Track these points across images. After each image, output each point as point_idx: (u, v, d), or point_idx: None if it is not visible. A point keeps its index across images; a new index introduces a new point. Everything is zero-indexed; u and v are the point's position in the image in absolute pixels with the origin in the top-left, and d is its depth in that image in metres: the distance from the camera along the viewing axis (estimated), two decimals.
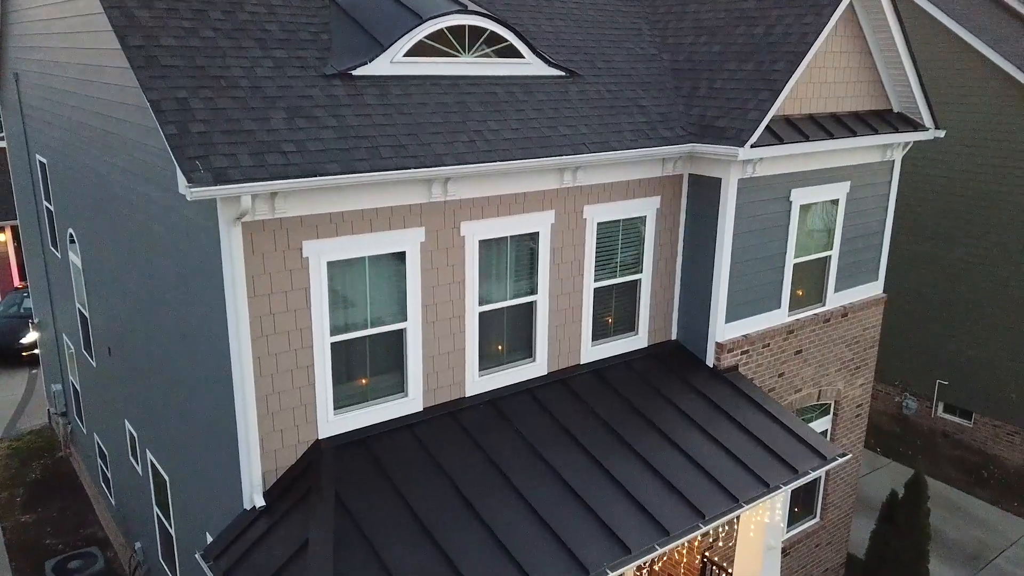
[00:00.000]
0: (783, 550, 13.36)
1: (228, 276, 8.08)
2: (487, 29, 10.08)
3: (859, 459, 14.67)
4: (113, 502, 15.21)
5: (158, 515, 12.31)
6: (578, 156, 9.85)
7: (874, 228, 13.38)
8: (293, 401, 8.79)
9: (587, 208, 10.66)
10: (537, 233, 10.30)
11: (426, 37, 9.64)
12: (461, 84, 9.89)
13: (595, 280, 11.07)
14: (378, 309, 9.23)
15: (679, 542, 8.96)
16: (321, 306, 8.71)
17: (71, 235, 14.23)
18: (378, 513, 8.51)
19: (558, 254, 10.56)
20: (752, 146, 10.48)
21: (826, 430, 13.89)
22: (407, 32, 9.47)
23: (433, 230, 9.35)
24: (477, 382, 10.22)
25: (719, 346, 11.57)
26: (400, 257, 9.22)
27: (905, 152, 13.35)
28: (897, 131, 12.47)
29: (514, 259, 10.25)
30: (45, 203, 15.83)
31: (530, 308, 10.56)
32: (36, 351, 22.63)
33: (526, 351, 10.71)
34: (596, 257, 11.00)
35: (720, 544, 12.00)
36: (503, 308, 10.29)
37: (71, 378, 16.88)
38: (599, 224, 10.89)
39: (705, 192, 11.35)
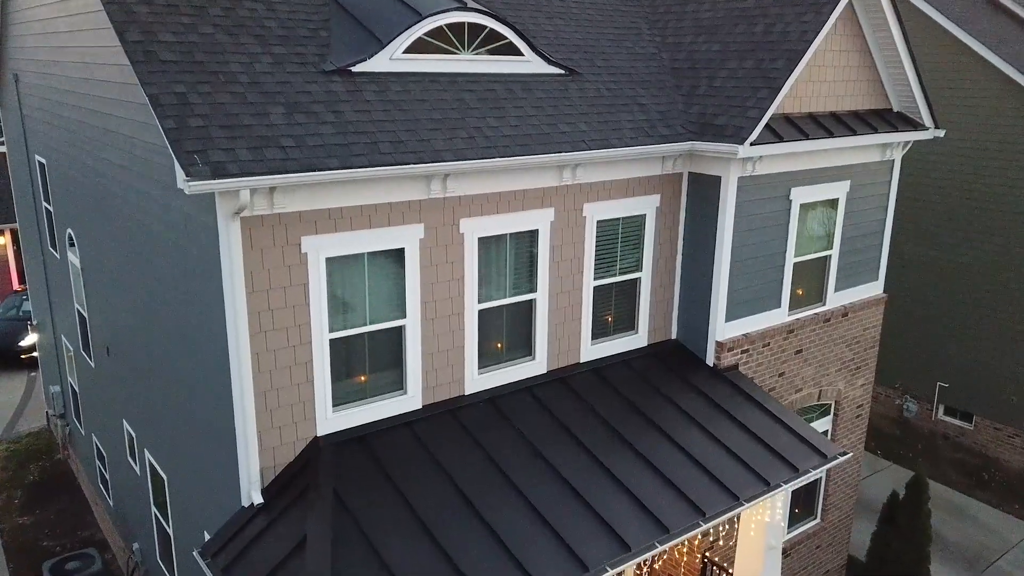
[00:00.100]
0: (784, 551, 13.31)
1: (226, 271, 8.06)
2: (486, 27, 10.07)
3: (860, 460, 14.62)
4: (111, 503, 15.15)
5: (156, 515, 12.26)
6: (577, 153, 9.84)
7: (874, 228, 13.36)
8: (291, 398, 8.75)
9: (587, 206, 10.64)
10: (537, 231, 10.28)
11: (425, 34, 9.63)
12: (460, 81, 9.88)
13: (595, 278, 11.04)
14: (377, 306, 9.21)
15: (679, 540, 8.92)
16: (320, 302, 8.69)
17: (70, 235, 14.22)
18: (377, 510, 8.46)
19: (558, 252, 10.53)
20: (752, 144, 10.46)
21: (827, 430, 13.85)
22: (406, 29, 9.46)
23: (432, 227, 9.33)
24: (476, 380, 10.19)
25: (719, 345, 11.53)
26: (399, 254, 9.20)
27: (905, 152, 13.34)
28: (897, 130, 12.46)
29: (513, 257, 10.23)
30: (44, 204, 15.82)
31: (530, 306, 10.54)
32: (35, 354, 22.59)
33: (526, 349, 10.68)
34: (596, 255, 10.98)
35: (720, 543, 11.95)
36: (502, 306, 10.27)
37: (70, 379, 16.84)
38: (599, 222, 10.87)
39: (705, 191, 11.33)
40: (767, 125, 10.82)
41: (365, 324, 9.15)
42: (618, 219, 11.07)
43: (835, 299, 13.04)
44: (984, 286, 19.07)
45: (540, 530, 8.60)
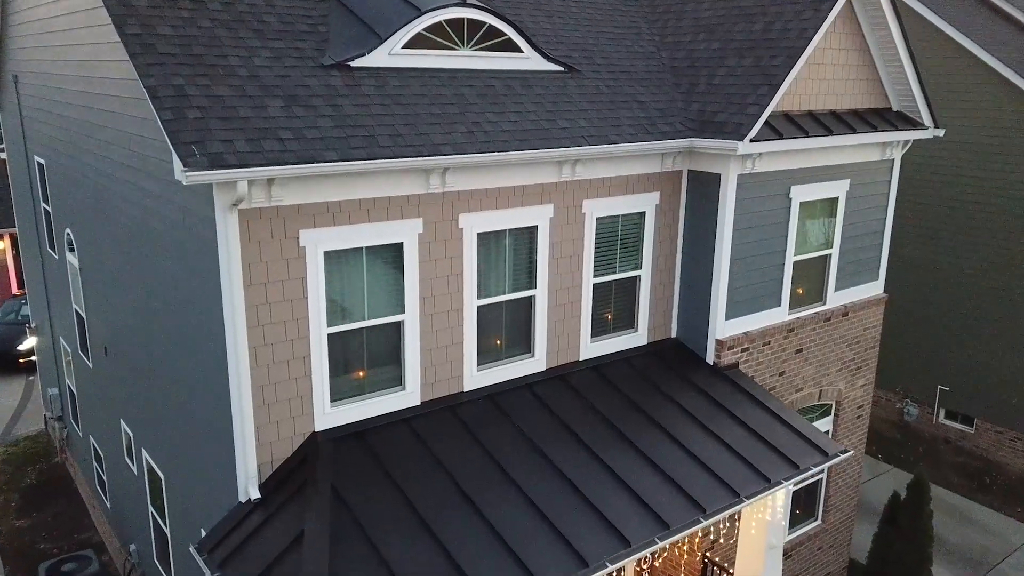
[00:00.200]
0: (785, 552, 13.23)
1: (224, 264, 8.02)
2: (485, 23, 10.07)
3: (860, 461, 14.56)
4: (108, 505, 15.08)
5: (153, 515, 12.19)
6: (577, 148, 9.81)
7: (874, 227, 13.33)
8: (289, 392, 8.70)
9: (586, 203, 10.62)
10: (536, 227, 10.25)
11: (424, 30, 9.63)
12: (459, 77, 9.87)
13: (594, 276, 11.01)
14: (376, 301, 9.17)
15: (679, 536, 8.85)
16: (318, 296, 8.65)
17: (68, 235, 14.19)
18: (375, 506, 8.40)
19: (557, 248, 10.50)
20: (752, 140, 10.45)
21: (827, 431, 13.79)
22: (405, 24, 9.46)
23: (431, 222, 9.30)
24: (475, 377, 10.14)
25: (719, 343, 11.49)
26: (398, 248, 9.16)
27: (905, 151, 13.32)
28: (896, 129, 12.45)
29: (513, 253, 10.20)
30: (43, 205, 15.80)
31: (529, 303, 10.50)
32: (33, 358, 22.54)
33: (525, 346, 10.64)
34: (595, 252, 10.95)
35: (721, 541, 11.87)
36: (502, 302, 10.23)
37: (67, 381, 16.78)
38: (598, 219, 10.84)
39: (704, 188, 11.31)
40: (767, 122, 10.81)
41: (363, 319, 9.10)
42: (617, 216, 11.04)
43: (835, 298, 13.00)
44: (984, 289, 19.04)
45: (539, 526, 8.54)
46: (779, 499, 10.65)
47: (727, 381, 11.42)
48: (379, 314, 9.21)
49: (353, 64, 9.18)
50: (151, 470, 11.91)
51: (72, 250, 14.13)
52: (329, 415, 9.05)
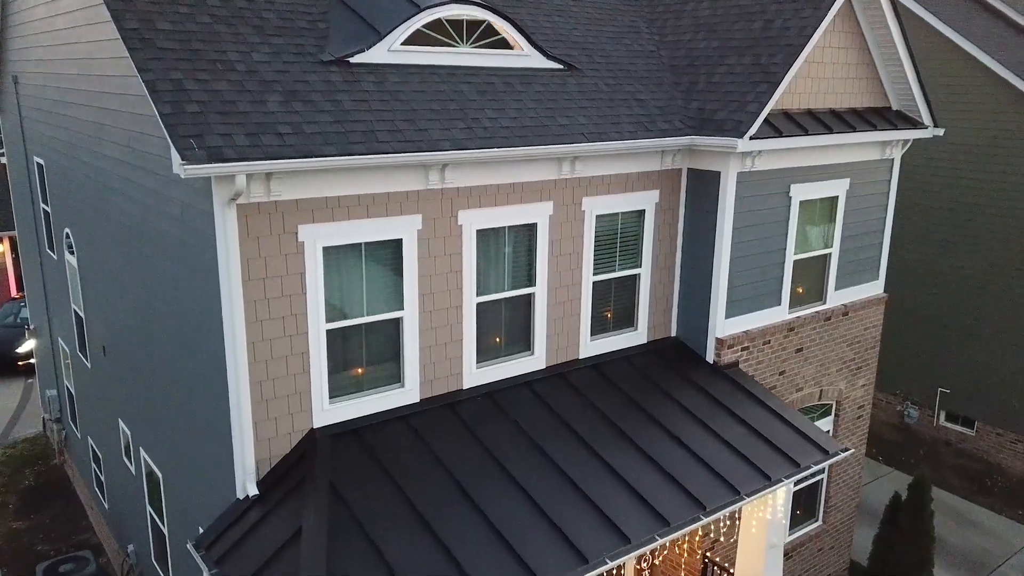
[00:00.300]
0: (786, 553, 13.17)
1: (222, 259, 7.99)
2: (485, 20, 10.07)
3: (861, 462, 14.51)
4: (107, 506, 15.02)
5: (151, 515, 12.14)
6: (576, 145, 9.80)
7: (874, 227, 13.31)
8: (288, 388, 8.67)
9: (586, 200, 10.60)
10: (535, 224, 10.23)
11: (424, 26, 9.62)
12: (459, 74, 9.86)
13: (594, 273, 10.98)
14: (375, 297, 9.14)
15: (680, 533, 8.81)
16: (317, 292, 8.62)
17: (67, 235, 14.17)
18: (374, 502, 8.36)
19: (556, 246, 10.48)
20: (751, 138, 10.44)
21: (828, 431, 13.74)
22: (404, 21, 9.46)
23: (430, 218, 9.28)
24: (474, 374, 10.10)
25: (719, 342, 11.45)
26: (397, 245, 9.14)
27: (904, 150, 13.31)
28: (896, 128, 12.44)
29: (512, 250, 10.17)
30: (42, 205, 15.79)
31: (528, 300, 10.47)
32: (32, 360, 22.50)
33: (524, 344, 10.61)
34: (595, 250, 10.93)
35: (722, 540, 11.81)
36: (501, 299, 10.20)
37: (66, 383, 16.74)
38: (598, 217, 10.82)
39: (704, 187, 11.29)
40: (766, 120, 10.80)
41: (362, 316, 9.08)
42: (617, 214, 11.03)
43: (835, 297, 12.97)
44: (985, 291, 19.01)
45: (539, 523, 8.50)
46: (780, 497, 10.61)
47: (727, 380, 11.38)
48: (378, 311, 9.18)
49: (352, 60, 9.17)
50: (149, 469, 11.87)
51: (71, 250, 14.11)
52: (327, 412, 9.02)
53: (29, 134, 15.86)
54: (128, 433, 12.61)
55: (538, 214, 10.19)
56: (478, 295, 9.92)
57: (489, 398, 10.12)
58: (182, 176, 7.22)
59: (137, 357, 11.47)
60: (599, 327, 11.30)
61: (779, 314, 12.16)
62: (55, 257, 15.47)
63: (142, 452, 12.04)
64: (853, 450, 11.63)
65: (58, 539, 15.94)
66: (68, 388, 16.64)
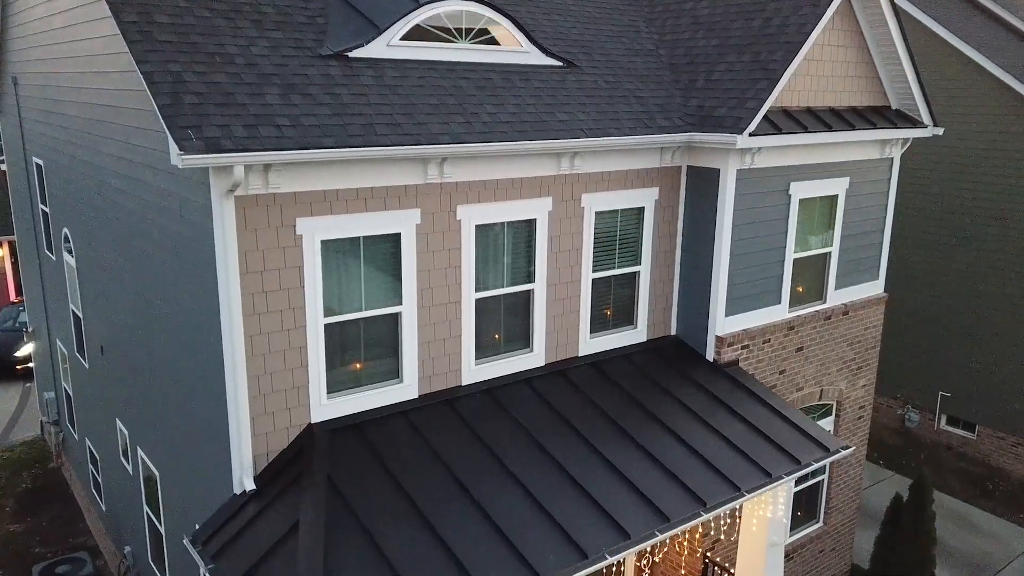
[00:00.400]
0: (787, 554, 13.09)
1: (220, 251, 7.96)
2: (484, 16, 10.06)
3: (861, 463, 14.44)
4: (104, 508, 14.95)
5: (148, 515, 12.07)
6: (576, 140, 9.78)
7: (874, 226, 13.29)
8: (285, 383, 8.62)
9: (585, 196, 10.57)
10: (535, 220, 10.20)
11: (423, 22, 9.61)
12: (458, 69, 9.86)
13: (593, 271, 10.95)
14: (373, 292, 9.10)
15: (680, 528, 8.75)
16: (315, 286, 8.59)
17: (66, 235, 14.15)
18: (372, 497, 8.30)
19: (556, 242, 10.45)
20: (751, 135, 10.42)
21: (828, 431, 13.66)
22: (404, 16, 9.45)
23: (429, 212, 9.25)
24: (473, 371, 10.06)
25: (719, 340, 11.41)
26: (395, 239, 9.11)
27: (904, 150, 13.29)
28: (895, 126, 12.43)
29: (511, 246, 10.14)
30: (41, 206, 15.77)
31: (527, 297, 10.43)
32: (30, 364, 22.45)
33: (523, 341, 10.56)
34: (594, 247, 10.90)
35: (723, 538, 11.74)
36: (500, 295, 10.16)
37: (64, 385, 16.68)
38: (597, 213, 10.79)
39: (704, 185, 11.27)
40: (765, 117, 10.79)
41: (360, 310, 9.04)
42: (616, 211, 11.00)
43: (835, 297, 12.93)
44: (985, 294, 18.97)
45: (538, 518, 8.44)
46: (780, 495, 10.54)
47: (727, 378, 11.33)
48: (376, 305, 9.14)
49: (351, 55, 9.16)
50: (146, 468, 11.80)
51: (69, 250, 14.09)
52: (325, 407, 8.97)
53: (28, 135, 15.86)
54: (126, 433, 12.55)
55: (537, 210, 10.17)
56: (477, 291, 9.89)
57: (488, 395, 10.07)
58: (180, 166, 7.20)
59: (135, 356, 11.43)
60: (598, 325, 11.26)
61: (779, 313, 12.12)
62: (54, 258, 15.45)
63: (139, 451, 11.98)
64: (854, 448, 11.57)
65: (55, 542, 15.85)
66: (66, 390, 16.58)
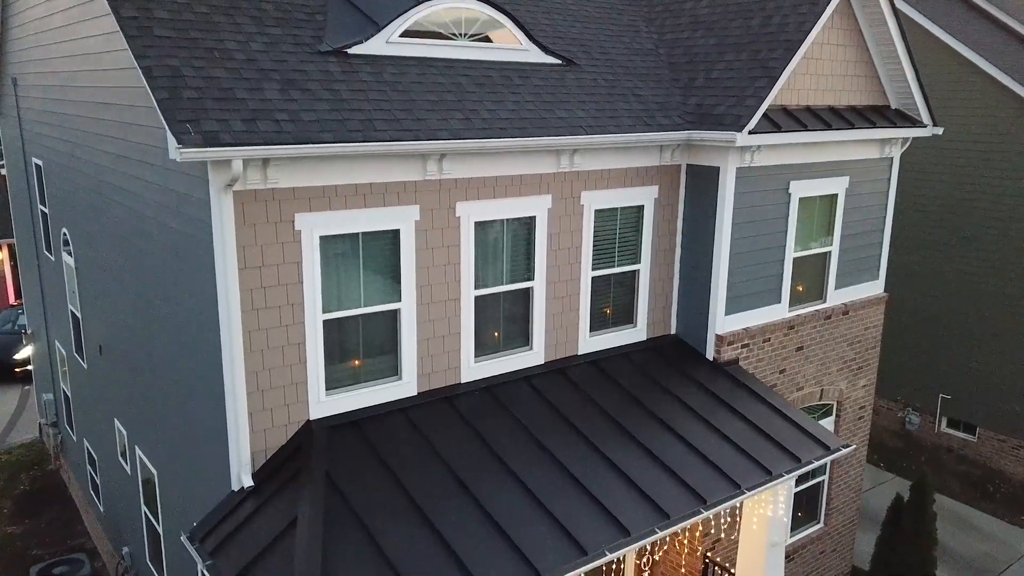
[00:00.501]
0: (787, 555, 13.03)
1: (218, 246, 7.94)
2: (483, 14, 10.06)
3: (862, 463, 14.39)
4: (102, 509, 14.90)
5: (146, 515, 12.02)
6: (575, 138, 9.77)
7: (874, 226, 13.27)
8: (284, 379, 8.59)
9: (584, 194, 10.56)
10: (534, 217, 10.18)
11: (422, 19, 9.61)
12: (457, 66, 9.85)
13: (593, 269, 10.93)
14: (372, 288, 9.08)
15: (680, 526, 8.71)
16: (313, 281, 8.56)
17: (65, 235, 14.13)
18: (370, 494, 8.26)
19: (555, 240, 10.43)
20: (750, 132, 10.41)
21: (829, 430, 13.61)
22: (403, 13, 9.45)
23: (428, 209, 9.23)
24: (473, 368, 10.03)
25: (719, 338, 11.38)
26: (394, 235, 9.09)
27: (904, 149, 13.28)
28: (895, 126, 12.42)
29: (511, 243, 10.12)
30: (40, 207, 15.76)
31: (527, 294, 10.41)
32: (29, 367, 22.42)
33: (523, 339, 10.53)
34: (594, 245, 10.87)
35: (723, 537, 11.69)
36: (499, 293, 10.13)
37: (62, 386, 16.64)
38: (596, 211, 10.77)
39: (703, 183, 11.26)
40: (765, 115, 10.79)
41: (359, 306, 9.01)
42: (616, 209, 10.98)
43: (836, 296, 12.91)
44: (985, 296, 18.94)
45: (538, 515, 8.40)
46: (781, 494, 10.50)
47: (727, 376, 11.30)
48: (375, 302, 9.12)
49: (350, 51, 9.16)
50: (144, 468, 11.76)
51: (68, 250, 14.07)
52: (324, 403, 8.94)
53: (28, 135, 15.86)
54: (124, 433, 12.51)
55: (537, 207, 10.15)
56: (476, 288, 9.86)
57: (488, 392, 10.04)
58: (178, 160, 7.18)
59: (133, 354, 11.40)
60: (598, 323, 11.23)
61: (779, 312, 12.09)
62: (52, 258, 15.43)
63: (138, 451, 11.93)
64: (855, 446, 11.54)
65: (53, 544, 15.79)
66: (64, 391, 16.54)
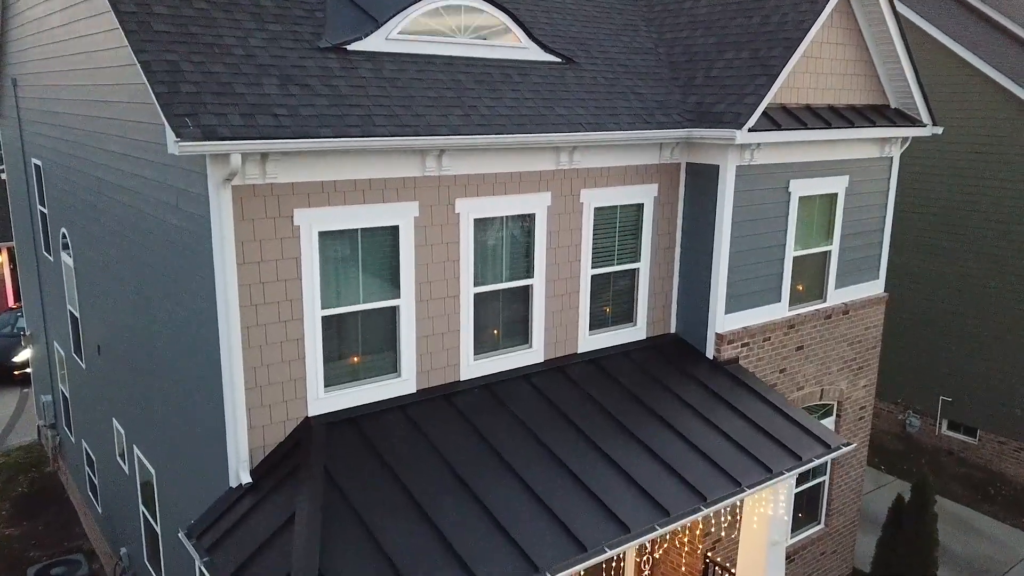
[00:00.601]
0: (788, 556, 12.98)
1: (217, 241, 7.91)
2: (483, 11, 10.06)
3: (862, 464, 14.34)
4: (100, 510, 14.84)
5: (144, 515, 11.98)
6: (575, 135, 9.75)
7: (874, 225, 13.26)
8: (282, 375, 8.56)
9: (584, 192, 10.54)
10: (533, 215, 10.17)
11: (421, 16, 9.61)
12: (456, 64, 9.85)
13: (592, 267, 10.91)
14: (371, 284, 9.05)
15: (680, 523, 8.66)
16: (312, 277, 8.54)
17: (64, 235, 14.12)
18: (369, 490, 8.23)
19: (555, 238, 10.41)
20: (750, 130, 10.40)
21: (829, 429, 13.58)
22: (402, 10, 9.45)
23: (427, 205, 9.22)
24: (472, 366, 10.00)
25: (719, 337, 11.35)
26: (394, 232, 9.07)
27: (903, 149, 13.27)
28: (895, 125, 12.41)
29: (510, 240, 10.10)
30: (40, 207, 15.75)
31: (526, 292, 10.38)
32: (28, 370, 22.38)
33: (522, 337, 10.51)
34: (593, 243, 10.86)
35: (723, 535, 11.64)
36: (499, 290, 10.11)
37: (61, 388, 16.61)
38: (596, 209, 10.76)
39: (703, 182, 11.24)
40: (765, 113, 10.78)
41: (358, 302, 8.98)
42: (616, 207, 10.97)
43: (836, 296, 12.89)
44: (986, 298, 18.92)
45: (537, 512, 8.36)
46: (781, 493, 10.45)
47: (727, 375, 11.27)
48: (374, 298, 9.09)
49: (349, 48, 9.15)
50: (142, 467, 11.72)
51: (67, 250, 14.05)
52: (323, 400, 8.90)
53: (27, 136, 15.86)
54: (122, 432, 12.47)
55: (536, 204, 10.13)
56: (476, 285, 9.84)
57: (487, 390, 10.01)
58: (176, 154, 7.16)
59: (132, 354, 11.37)
60: (597, 322, 11.21)
61: (779, 311, 12.07)
62: (51, 259, 15.41)
63: (136, 450, 11.89)
64: (855, 444, 11.50)
65: (51, 545, 15.74)
66: (63, 392, 16.50)
